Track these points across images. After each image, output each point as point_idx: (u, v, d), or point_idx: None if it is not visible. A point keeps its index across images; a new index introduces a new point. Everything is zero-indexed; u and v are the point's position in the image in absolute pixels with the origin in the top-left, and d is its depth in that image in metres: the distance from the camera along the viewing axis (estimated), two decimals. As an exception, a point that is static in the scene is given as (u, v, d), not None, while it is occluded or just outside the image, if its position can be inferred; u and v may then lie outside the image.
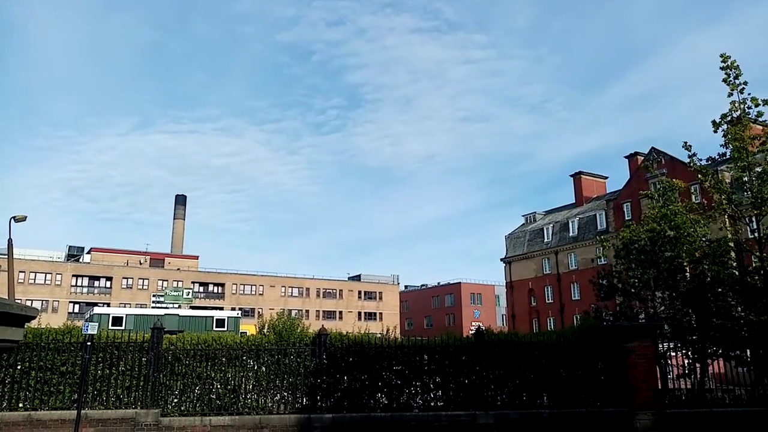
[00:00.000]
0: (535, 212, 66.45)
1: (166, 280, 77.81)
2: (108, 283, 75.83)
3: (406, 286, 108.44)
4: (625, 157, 54.98)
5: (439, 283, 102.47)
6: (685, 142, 14.95)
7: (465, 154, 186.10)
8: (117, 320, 36.71)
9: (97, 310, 41.74)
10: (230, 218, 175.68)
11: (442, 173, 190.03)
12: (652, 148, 49.02)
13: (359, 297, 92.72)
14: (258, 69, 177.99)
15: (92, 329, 11.33)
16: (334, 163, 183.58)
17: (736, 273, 14.43)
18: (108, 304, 66.62)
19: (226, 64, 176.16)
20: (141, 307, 62.45)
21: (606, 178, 63.79)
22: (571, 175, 63.09)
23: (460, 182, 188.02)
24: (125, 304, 69.48)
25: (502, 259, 65.10)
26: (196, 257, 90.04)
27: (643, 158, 50.75)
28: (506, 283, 64.60)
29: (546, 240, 60.28)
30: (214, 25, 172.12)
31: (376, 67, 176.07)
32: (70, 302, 72.69)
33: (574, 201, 62.55)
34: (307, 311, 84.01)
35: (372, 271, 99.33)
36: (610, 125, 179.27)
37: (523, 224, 66.52)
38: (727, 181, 22.98)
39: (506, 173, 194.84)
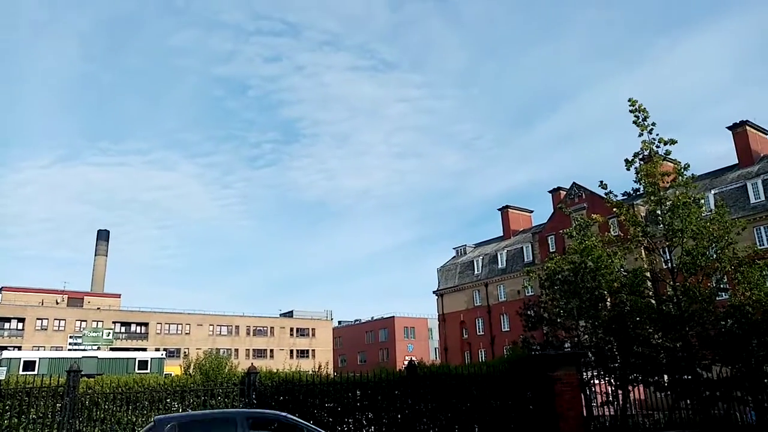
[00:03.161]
0: (465, 245, 67.76)
1: (85, 321, 73.43)
2: (20, 325, 70.64)
3: (339, 322, 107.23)
4: (549, 191, 57.41)
5: (372, 317, 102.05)
6: (601, 181, 15.96)
7: (399, 190, 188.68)
8: (29, 364, 34.22)
9: (6, 354, 38.80)
10: (158, 255, 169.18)
11: (377, 208, 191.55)
12: (574, 183, 51.46)
13: (291, 334, 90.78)
14: (192, 102, 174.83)
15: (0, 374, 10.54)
16: (269, 197, 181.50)
17: (653, 302, 15.17)
18: (19, 348, 62.04)
19: (159, 96, 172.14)
20: (57, 350, 58.54)
21: (531, 211, 66.15)
22: (499, 209, 65.01)
23: (394, 217, 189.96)
24: (39, 347, 64.98)
25: (434, 292, 65.77)
26: (118, 296, 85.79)
27: (565, 193, 53.14)
28: (438, 315, 65.18)
29: (476, 272, 61.47)
30: (149, 58, 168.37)
31: (314, 103, 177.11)
32: (-25, 347, 67.19)
33: (502, 234, 64.35)
34: (237, 350, 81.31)
35: (306, 307, 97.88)
36: (536, 161, 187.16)
37: (455, 257, 67.67)
38: (642, 214, 24.34)
39: (439, 207, 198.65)
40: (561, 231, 41.99)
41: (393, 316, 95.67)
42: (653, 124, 15.20)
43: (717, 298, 14.65)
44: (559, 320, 17.47)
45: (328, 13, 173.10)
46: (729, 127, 44.46)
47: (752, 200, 39.94)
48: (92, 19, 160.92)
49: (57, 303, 77.22)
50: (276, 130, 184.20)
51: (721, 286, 14.81)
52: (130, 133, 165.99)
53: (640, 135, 15.24)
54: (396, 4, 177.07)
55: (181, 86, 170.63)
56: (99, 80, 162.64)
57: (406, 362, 13.54)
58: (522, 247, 57.46)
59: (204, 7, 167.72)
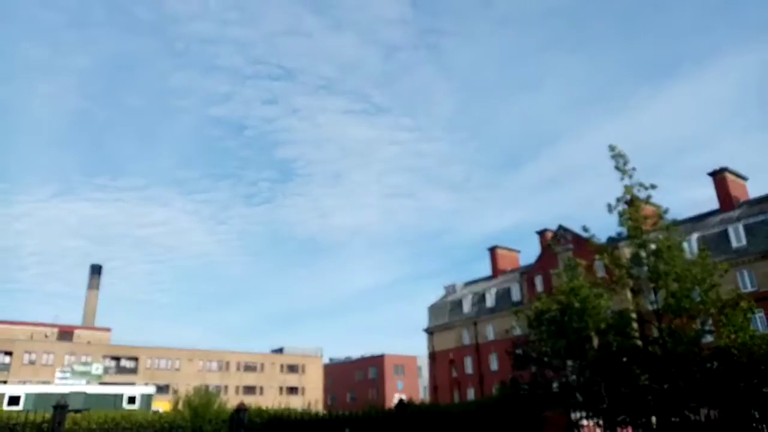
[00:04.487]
0: (455, 284, 67.47)
1: (75, 355, 71.90)
2: (7, 358, 68.98)
3: (330, 359, 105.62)
4: (537, 232, 57.67)
5: (363, 355, 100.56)
6: (584, 226, 16.13)
7: (390, 228, 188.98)
8: (14, 399, 33.18)
9: (-9, 388, 37.66)
10: (150, 289, 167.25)
11: (368, 246, 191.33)
12: (560, 225, 51.78)
13: (281, 370, 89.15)
14: (189, 141, 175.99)
15: (-16, 410, 10.19)
16: (262, 234, 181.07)
17: (639, 343, 15.08)
18: (5, 382, 60.50)
19: (157, 134, 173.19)
20: (45, 384, 57.10)
21: (519, 251, 66.32)
22: (488, 249, 65.12)
23: (385, 255, 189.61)
24: (26, 381, 63.34)
25: (424, 330, 65.12)
26: (109, 329, 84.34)
27: (552, 234, 53.38)
28: (429, 353, 64.38)
29: (465, 311, 61.05)
30: (146, 97, 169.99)
31: (308, 143, 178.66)
32: (-39, 381, 65.36)
33: (491, 273, 64.25)
34: (227, 386, 79.62)
35: (296, 343, 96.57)
36: (523, 203, 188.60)
37: (444, 295, 67.29)
38: (627, 257, 24.43)
39: (429, 246, 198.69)
40: (549, 271, 41.96)
41: (383, 355, 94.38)
42: (634, 168, 15.39)
43: (702, 341, 14.58)
44: (546, 360, 17.31)
45: (324, 60, 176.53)
46: (710, 174, 45.19)
47: (734, 244, 40.24)
48: (93, 58, 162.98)
49: (46, 336, 75.68)
50: (272, 168, 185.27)
51: (706, 328, 14.76)
52: (126, 170, 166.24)
53: (622, 179, 15.41)
54: (389, 53, 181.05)
55: (178, 125, 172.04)
56: (96, 117, 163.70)
57: (395, 400, 13.32)
58: (510, 287, 57.29)
59: (202, 50, 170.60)
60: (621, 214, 15.17)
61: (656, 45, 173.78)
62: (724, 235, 41.16)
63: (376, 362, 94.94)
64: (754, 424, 13.49)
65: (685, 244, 16.07)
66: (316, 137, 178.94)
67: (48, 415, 10.80)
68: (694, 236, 40.77)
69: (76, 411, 13.49)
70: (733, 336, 13.65)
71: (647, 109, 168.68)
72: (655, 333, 14.69)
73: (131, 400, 37.96)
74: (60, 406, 10.98)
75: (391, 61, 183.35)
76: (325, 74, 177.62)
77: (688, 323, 14.28)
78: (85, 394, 36.55)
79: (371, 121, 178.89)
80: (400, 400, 12.52)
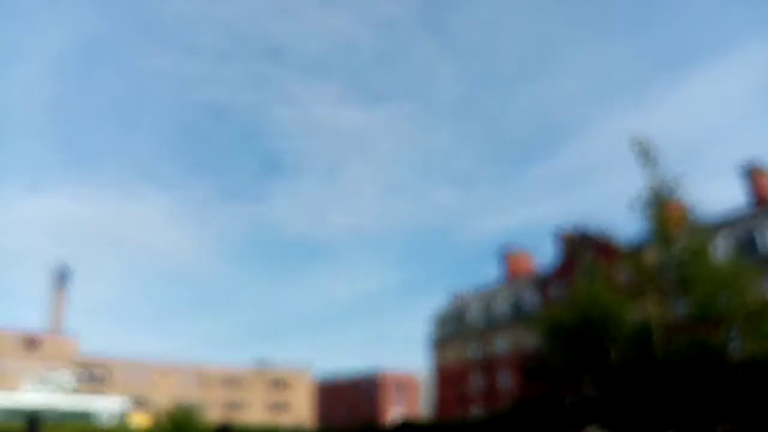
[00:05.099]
0: (462, 291, 67.41)
1: (42, 363, 72.06)
2: (-34, 368, 69.20)
3: (322, 374, 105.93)
4: (554, 234, 57.65)
5: (358, 372, 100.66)
6: (605, 231, 16.24)
7: (388, 227, 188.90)
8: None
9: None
10: (123, 294, 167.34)
11: (363, 248, 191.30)
12: (579, 226, 51.83)
13: (267, 386, 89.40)
14: (169, 128, 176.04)
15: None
16: (247, 234, 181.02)
17: (662, 354, 15.23)
18: (-36, 394, 60.42)
19: (134, 121, 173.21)
20: (10, 393, 57.33)
21: (534, 255, 66.25)
22: (499, 252, 65.05)
23: (382, 257, 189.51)
24: (-13, 393, 63.45)
25: (428, 342, 65.23)
26: (77, 338, 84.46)
27: (570, 237, 53.41)
28: (430, 367, 64.50)
29: (473, 321, 61.00)
30: (125, 81, 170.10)
31: (298, 133, 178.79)
32: None
33: (502, 279, 64.22)
34: (207, 401, 79.81)
35: (284, 355, 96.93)
36: (536, 201, 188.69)
37: (450, 304, 67.29)
38: (651, 261, 24.58)
39: (432, 248, 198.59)
40: (567, 277, 42.16)
41: (379, 372, 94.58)
42: (658, 162, 15.49)
43: (728, 350, 14.76)
44: (562, 374, 17.44)
45: (316, 39, 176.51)
46: (740, 169, 45.11)
47: (763, 248, 40.42)
48: (66, 40, 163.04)
49: (11, 344, 75.83)
50: (257, 161, 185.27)
51: (732, 335, 14.93)
52: (101, 163, 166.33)
53: (647, 174, 15.52)
54: (386, 30, 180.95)
55: (157, 111, 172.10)
56: (69, 103, 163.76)
57: (391, 419, 13.50)
58: (523, 295, 57.35)
59: (183, 30, 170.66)
60: (646, 216, 15.31)
61: (677, 33, 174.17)
62: (752, 237, 41.31)
63: (373, 380, 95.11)
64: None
65: (711, 248, 16.23)
66: (307, 126, 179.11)
67: (16, 426, 11.00)
68: (720, 237, 40.86)
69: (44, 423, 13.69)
70: (759, 345, 13.84)
71: (669, 99, 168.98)
72: (680, 342, 14.87)
73: (101, 414, 38.18)
74: (33, 419, 11.19)
75: (389, 39, 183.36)
76: (317, 55, 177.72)
77: (714, 332, 14.46)
78: (56, 407, 36.78)
79: (369, 110, 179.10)
80: (404, 423, 12.69)
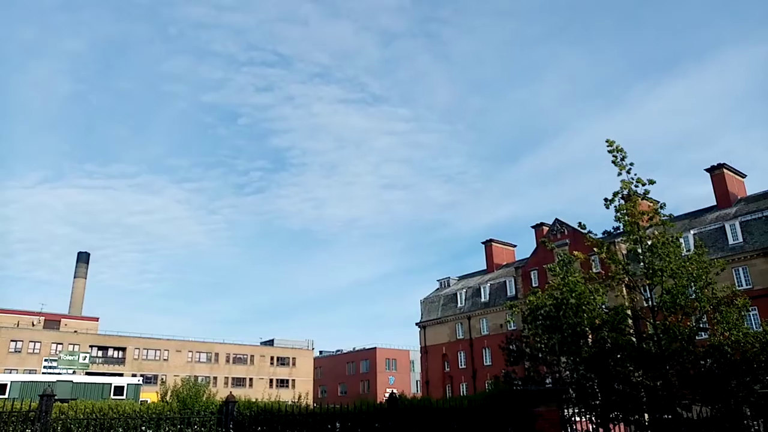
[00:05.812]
0: (449, 277, 67.65)
1: (61, 344, 71.78)
2: (-7, 347, 68.88)
3: (321, 352, 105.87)
4: (532, 227, 57.76)
5: (354, 348, 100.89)
6: (580, 223, 16.21)
7: (385, 220, 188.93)
8: (0, 388, 33.34)
9: (-24, 376, 37.72)
10: (139, 279, 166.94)
11: (362, 237, 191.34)
12: (556, 219, 51.92)
13: (271, 363, 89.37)
14: (181, 127, 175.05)
15: (-31, 398, 10.18)
16: (255, 224, 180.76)
17: (634, 339, 15.18)
18: (-9, 370, 60.35)
19: (148, 120, 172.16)
20: (31, 373, 57.06)
21: (515, 246, 66.39)
22: (483, 243, 65.22)
23: (379, 246, 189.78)
24: (12, 369, 63.29)
25: (417, 324, 65.34)
26: (96, 319, 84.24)
27: (548, 228, 53.54)
28: (421, 347, 64.65)
29: (459, 305, 61.28)
30: (139, 82, 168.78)
31: (303, 133, 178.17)
32: (-55, 368, 65.22)
33: (485, 267, 64.41)
34: (216, 378, 79.76)
35: (287, 335, 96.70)
36: (520, 197, 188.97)
37: (438, 289, 67.48)
38: (623, 252, 24.54)
39: (424, 239, 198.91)
40: (544, 266, 42.14)
41: (375, 348, 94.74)
42: (631, 164, 15.42)
43: (696, 338, 14.70)
44: (540, 355, 17.38)
45: (320, 48, 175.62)
46: (707, 170, 45.39)
47: (730, 241, 40.53)
48: (85, 41, 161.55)
49: (33, 325, 75.55)
50: (265, 158, 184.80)
51: (701, 325, 14.88)
52: (117, 157, 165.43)
53: (619, 174, 15.45)
54: (386, 41, 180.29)
55: (170, 111, 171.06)
56: (87, 102, 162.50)
57: (387, 394, 13.36)
58: (505, 281, 57.50)
59: (196, 36, 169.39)
60: (618, 210, 15.22)
61: (656, 39, 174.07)
62: (721, 231, 41.46)
63: (368, 356, 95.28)
64: (746, 422, 13.66)
65: (681, 241, 16.13)
66: (311, 126, 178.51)
67: (34, 405, 10.79)
68: (691, 233, 41.05)
69: (63, 400, 13.50)
70: (727, 333, 13.78)
71: (646, 104, 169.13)
72: (650, 329, 14.80)
73: (119, 390, 38.06)
74: (47, 395, 10.96)
75: (388, 49, 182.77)
76: (321, 62, 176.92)
77: (683, 320, 14.39)
78: (72, 383, 36.62)
79: (367, 110, 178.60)
80: (392, 395, 12.55)
